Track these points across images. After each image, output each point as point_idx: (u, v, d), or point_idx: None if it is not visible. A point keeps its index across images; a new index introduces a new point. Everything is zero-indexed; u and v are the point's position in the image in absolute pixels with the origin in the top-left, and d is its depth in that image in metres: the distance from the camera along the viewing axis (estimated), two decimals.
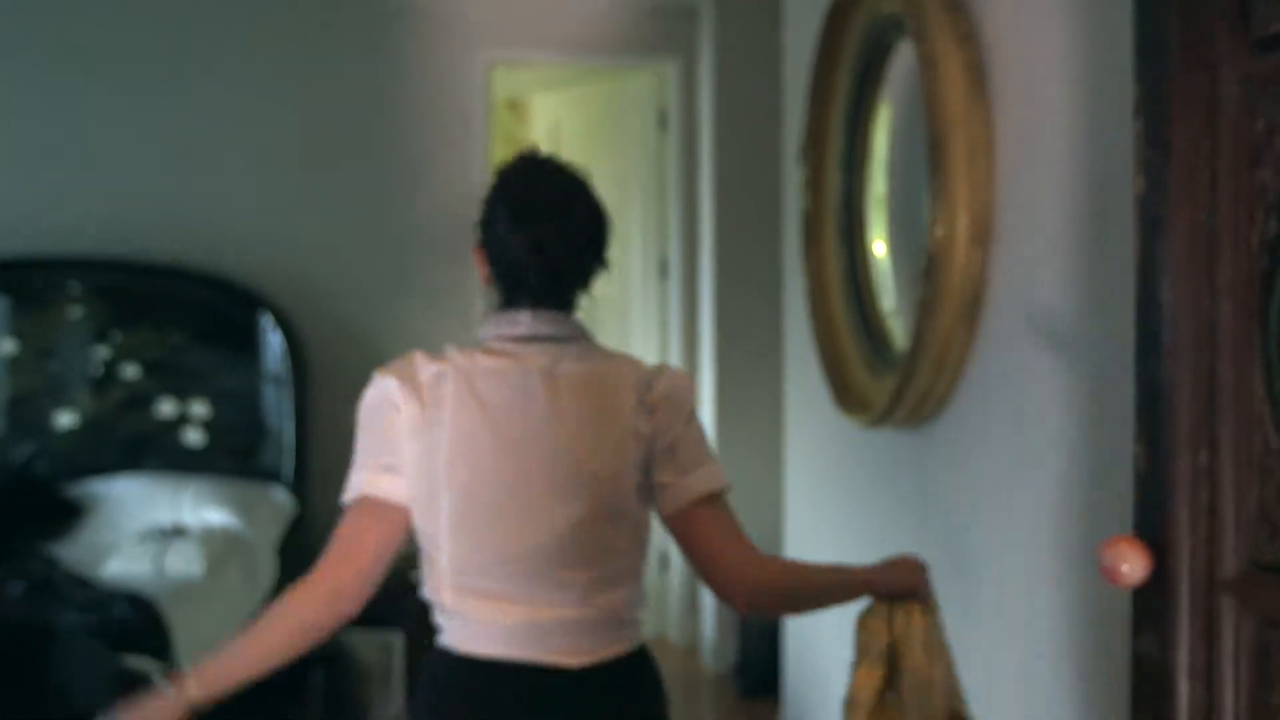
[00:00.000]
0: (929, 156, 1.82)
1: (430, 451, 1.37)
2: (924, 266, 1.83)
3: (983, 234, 1.76)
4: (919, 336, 1.90)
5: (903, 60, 2.20)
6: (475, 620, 1.37)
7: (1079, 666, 1.53)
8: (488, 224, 1.44)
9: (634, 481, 1.39)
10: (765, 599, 1.43)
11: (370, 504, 1.38)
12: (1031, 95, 1.68)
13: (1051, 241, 1.61)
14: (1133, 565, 1.08)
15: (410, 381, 1.39)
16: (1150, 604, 1.10)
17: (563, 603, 1.36)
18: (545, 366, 1.40)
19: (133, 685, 2.46)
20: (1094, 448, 1.49)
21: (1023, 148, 1.70)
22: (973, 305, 1.80)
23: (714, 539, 1.39)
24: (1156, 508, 1.10)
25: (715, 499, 1.40)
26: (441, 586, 1.39)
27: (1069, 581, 1.55)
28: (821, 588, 1.47)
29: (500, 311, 1.44)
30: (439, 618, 1.41)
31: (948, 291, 1.79)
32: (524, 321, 1.42)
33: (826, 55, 2.44)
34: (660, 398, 1.40)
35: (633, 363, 1.46)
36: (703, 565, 1.41)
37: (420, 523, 1.39)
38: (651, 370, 1.44)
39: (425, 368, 1.41)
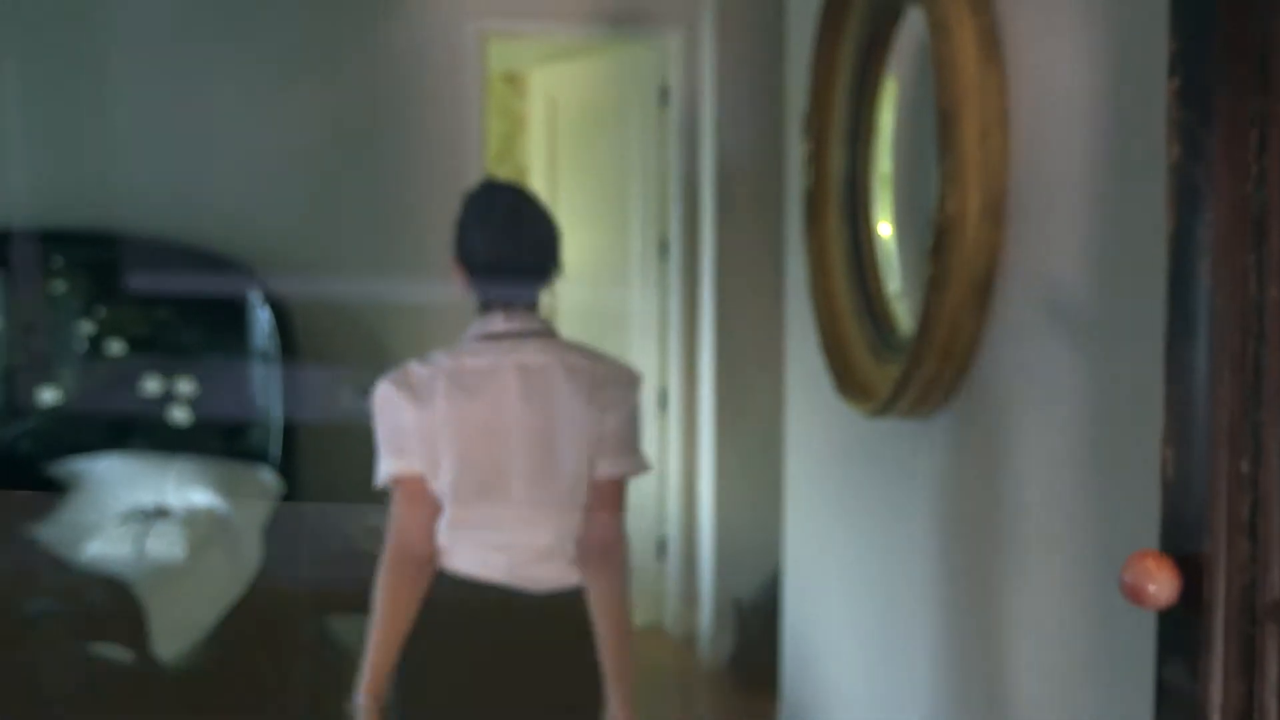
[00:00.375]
0: (938, 127, 1.71)
1: (429, 434, 1.73)
2: (931, 244, 1.73)
3: (996, 210, 1.65)
4: (925, 319, 1.79)
5: (910, 29, 2.09)
6: (463, 551, 1.77)
7: (1096, 695, 1.41)
8: (460, 241, 1.81)
9: (583, 453, 1.78)
10: (594, 575, 1.81)
11: (399, 481, 1.76)
12: (1051, 60, 1.56)
13: (1071, 217, 1.49)
14: (1160, 585, 0.96)
15: (402, 383, 1.75)
16: (1179, 629, 0.98)
17: (533, 540, 1.77)
18: (519, 361, 1.76)
19: (102, 673, 2.40)
20: (1118, 447, 1.37)
21: (1041, 117, 1.58)
22: (984, 286, 1.69)
23: (597, 512, 1.79)
24: (1188, 520, 0.98)
25: (614, 484, 1.81)
26: (442, 529, 1.77)
27: (1086, 597, 1.44)
28: (604, 626, 1.81)
29: (479, 314, 1.80)
30: (441, 549, 1.79)
31: (957, 271, 1.68)
32: (498, 320, 1.78)
33: (829, 23, 2.33)
34: (604, 387, 1.79)
35: (588, 355, 1.83)
36: (584, 521, 1.82)
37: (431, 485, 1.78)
38: (602, 363, 1.82)
39: (417, 371, 1.76)
